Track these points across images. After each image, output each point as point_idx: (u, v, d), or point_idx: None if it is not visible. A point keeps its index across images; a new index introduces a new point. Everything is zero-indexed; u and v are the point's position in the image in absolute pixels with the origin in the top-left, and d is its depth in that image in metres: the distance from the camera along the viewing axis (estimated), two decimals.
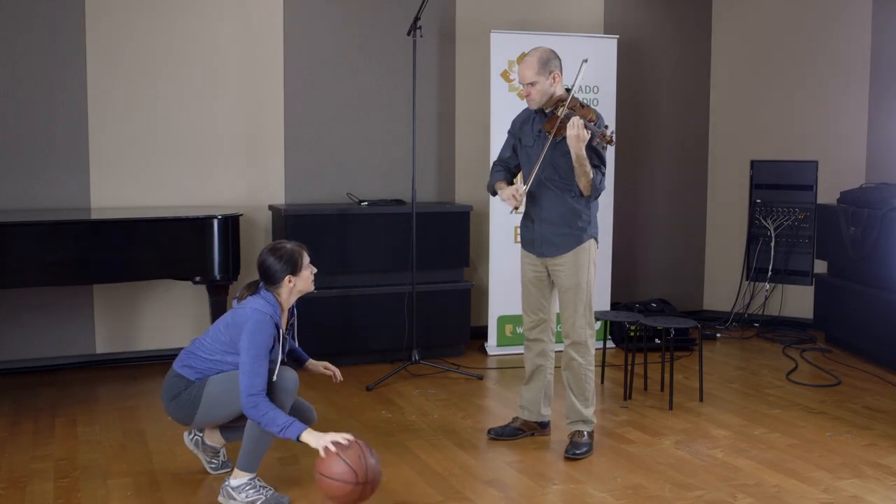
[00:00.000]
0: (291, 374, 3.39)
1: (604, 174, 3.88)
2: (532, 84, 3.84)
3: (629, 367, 4.90)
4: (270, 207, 5.60)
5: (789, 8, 6.61)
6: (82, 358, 5.36)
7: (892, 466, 3.83)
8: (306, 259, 3.45)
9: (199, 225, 4.77)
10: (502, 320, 5.86)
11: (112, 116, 5.29)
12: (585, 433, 3.99)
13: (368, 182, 5.86)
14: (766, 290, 6.68)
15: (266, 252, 3.42)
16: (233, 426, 3.55)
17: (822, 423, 4.43)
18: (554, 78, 3.85)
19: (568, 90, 3.88)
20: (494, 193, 4.12)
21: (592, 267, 3.97)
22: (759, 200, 6.64)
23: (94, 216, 4.79)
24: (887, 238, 5.36)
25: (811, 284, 6.44)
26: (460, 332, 5.74)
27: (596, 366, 4.10)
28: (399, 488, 3.52)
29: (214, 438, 3.64)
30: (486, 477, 3.69)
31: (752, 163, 6.67)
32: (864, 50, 6.30)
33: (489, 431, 4.20)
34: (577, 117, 3.68)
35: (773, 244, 6.58)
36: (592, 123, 3.72)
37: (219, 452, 3.67)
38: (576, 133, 3.65)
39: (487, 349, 5.87)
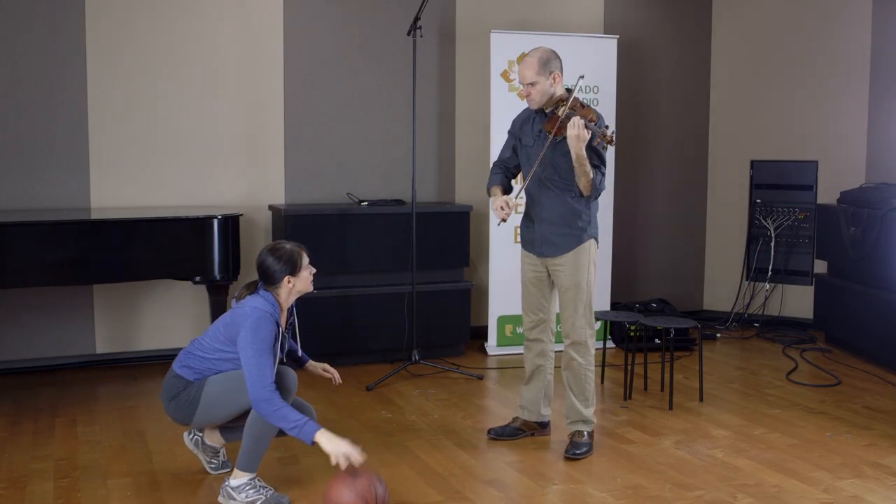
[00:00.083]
0: (290, 374, 3.40)
1: (604, 174, 3.88)
2: (532, 84, 3.84)
3: (629, 367, 4.90)
4: (270, 207, 5.60)
5: (789, 8, 6.61)
6: (82, 358, 5.36)
7: (892, 466, 3.83)
8: (305, 259, 3.45)
9: (199, 225, 4.77)
10: (502, 320, 5.86)
11: (112, 116, 5.29)
12: (585, 433, 3.99)
13: (368, 182, 5.86)
14: (766, 290, 6.68)
15: (265, 252, 3.42)
16: (232, 426, 3.55)
17: (822, 423, 4.43)
18: (554, 78, 3.85)
19: (568, 90, 3.88)
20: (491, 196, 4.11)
21: (592, 267, 3.97)
22: (759, 200, 6.64)
23: (94, 216, 4.79)
24: (887, 238, 5.36)
25: (811, 284, 6.44)
26: (460, 332, 5.74)
27: (596, 366, 4.10)
28: (399, 488, 3.52)
29: (214, 438, 3.64)
30: (486, 477, 3.69)
31: (752, 163, 6.67)
32: (864, 50, 6.30)
33: (489, 431, 4.20)
34: (578, 117, 3.68)
35: (773, 244, 6.58)
36: (593, 123, 3.72)
37: (219, 452, 3.67)
38: (576, 133, 3.65)
39: (487, 349, 5.87)
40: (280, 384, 3.31)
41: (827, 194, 6.34)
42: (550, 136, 3.79)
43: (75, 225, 4.55)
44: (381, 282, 5.51)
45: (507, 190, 4.06)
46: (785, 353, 5.94)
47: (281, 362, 3.40)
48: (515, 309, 5.05)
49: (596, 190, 3.85)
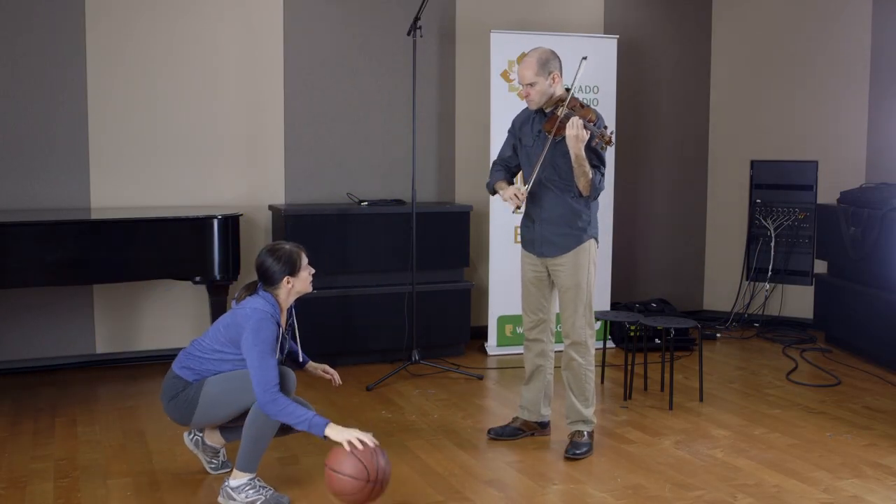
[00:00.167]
0: (290, 374, 3.40)
1: (603, 174, 3.88)
2: (531, 85, 3.84)
3: (629, 367, 4.90)
4: (270, 207, 5.60)
5: (789, 8, 6.61)
6: (82, 358, 5.36)
7: (892, 466, 3.83)
8: (305, 260, 3.45)
9: (199, 225, 4.77)
10: (502, 320, 5.86)
11: (112, 116, 5.29)
12: (585, 433, 3.99)
13: (368, 182, 5.86)
14: (766, 290, 6.68)
15: (265, 253, 3.42)
16: (232, 426, 3.55)
17: (822, 423, 4.43)
18: (553, 78, 3.85)
19: (568, 90, 3.88)
20: (494, 193, 4.12)
21: (592, 267, 3.97)
22: (759, 200, 6.64)
23: (94, 216, 4.79)
24: (887, 238, 5.36)
25: (811, 284, 6.44)
26: (460, 332, 5.74)
27: (596, 366, 4.10)
28: (399, 488, 3.52)
29: (214, 438, 3.64)
30: (486, 477, 3.69)
31: (752, 163, 6.67)
32: (864, 50, 6.30)
33: (489, 431, 4.20)
34: (577, 117, 3.68)
35: (773, 244, 6.58)
36: (592, 124, 3.71)
37: (219, 452, 3.67)
38: (575, 133, 3.65)
39: (487, 349, 5.87)
40: (279, 384, 3.31)
41: (827, 194, 6.34)
42: (550, 137, 3.79)
43: (75, 225, 4.55)
44: (381, 282, 5.51)
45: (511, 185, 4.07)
46: (785, 353, 5.94)
47: (281, 363, 3.40)
48: (515, 309, 5.04)
49: (595, 190, 3.85)
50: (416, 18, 5.11)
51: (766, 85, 6.72)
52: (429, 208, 5.62)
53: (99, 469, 3.70)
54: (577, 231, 3.91)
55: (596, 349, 4.10)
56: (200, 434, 3.63)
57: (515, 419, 4.22)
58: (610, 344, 5.95)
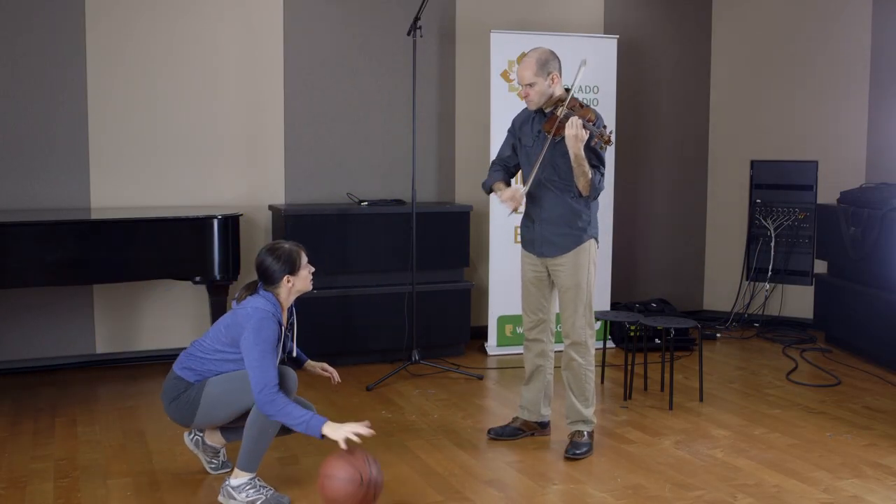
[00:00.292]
0: (291, 374, 3.40)
1: (603, 174, 3.88)
2: (530, 85, 3.84)
3: (629, 367, 4.90)
4: (270, 207, 5.60)
5: (789, 8, 6.61)
6: (82, 358, 5.36)
7: (892, 466, 3.83)
8: (304, 259, 3.45)
9: (199, 225, 4.77)
10: (502, 320, 5.86)
11: (112, 116, 5.29)
12: (585, 433, 3.99)
13: (368, 182, 5.87)
14: (766, 290, 6.68)
15: (264, 252, 3.42)
16: (233, 426, 3.55)
17: (822, 423, 4.43)
18: (552, 79, 3.84)
19: (567, 90, 3.88)
20: (490, 192, 4.12)
21: (592, 267, 3.96)
22: (759, 200, 6.64)
23: (94, 216, 4.79)
24: (887, 238, 5.36)
25: (811, 284, 6.44)
26: (460, 332, 5.74)
27: (596, 366, 4.10)
28: (399, 488, 3.52)
29: (215, 438, 3.64)
30: (486, 477, 3.69)
31: (752, 163, 6.67)
32: (864, 50, 6.30)
33: (489, 431, 4.20)
34: (576, 117, 3.68)
35: (773, 244, 6.58)
36: (591, 123, 3.71)
37: (219, 452, 3.67)
38: (574, 133, 3.65)
39: (487, 349, 5.87)
40: (280, 384, 3.31)
41: (827, 194, 6.34)
42: (549, 137, 3.79)
43: (75, 225, 4.55)
44: (381, 282, 5.51)
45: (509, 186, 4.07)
46: (785, 353, 5.94)
47: (282, 362, 3.40)
48: (515, 309, 5.04)
49: (595, 190, 3.84)
50: (416, 18, 5.11)
51: (766, 85, 6.72)
52: (429, 208, 5.62)
53: (99, 469, 3.70)
54: (577, 231, 3.91)
55: (596, 349, 4.10)
56: (201, 434, 3.63)
57: (515, 419, 4.22)
58: (610, 344, 5.95)
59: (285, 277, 3.38)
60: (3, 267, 4.31)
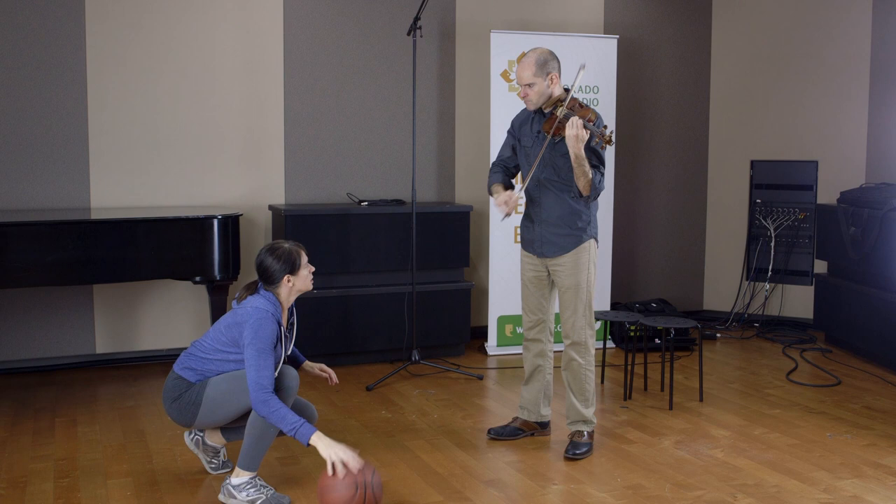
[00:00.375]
0: (292, 373, 3.40)
1: (603, 174, 3.87)
2: (530, 85, 3.84)
3: (629, 367, 4.90)
4: (270, 207, 5.60)
5: (789, 8, 6.61)
6: (82, 358, 5.36)
7: (892, 466, 3.83)
8: (304, 258, 3.45)
9: (199, 225, 4.77)
10: (502, 320, 5.86)
11: (112, 116, 5.29)
12: (585, 433, 3.99)
13: (368, 182, 5.87)
14: (766, 290, 6.68)
15: (264, 252, 3.42)
16: (234, 426, 3.55)
17: (822, 423, 4.43)
18: (552, 79, 3.84)
19: (567, 90, 3.88)
20: (492, 194, 4.12)
21: (592, 267, 3.96)
22: (759, 200, 6.64)
23: (94, 216, 4.79)
24: (887, 238, 5.36)
25: (811, 284, 6.44)
26: (460, 332, 5.74)
27: (596, 366, 4.10)
28: (399, 488, 3.52)
29: (215, 438, 3.64)
30: (486, 477, 3.69)
31: (752, 163, 6.67)
32: (865, 50, 6.30)
33: (489, 431, 4.20)
34: (576, 117, 3.68)
35: (773, 244, 6.58)
36: (591, 123, 3.71)
37: (219, 452, 3.67)
38: (574, 133, 3.64)
39: (487, 349, 5.87)
40: (281, 383, 3.32)
41: (827, 194, 6.35)
42: (549, 137, 3.79)
43: (75, 225, 4.55)
44: (381, 282, 5.52)
45: (509, 188, 4.07)
46: (785, 353, 5.94)
47: (283, 361, 3.40)
48: (515, 309, 5.07)
49: (595, 190, 3.84)
50: (416, 18, 5.11)
51: (766, 85, 6.72)
52: (429, 208, 5.62)
53: (99, 469, 3.70)
54: (576, 231, 3.91)
55: (596, 349, 4.10)
56: (201, 434, 3.63)
57: (515, 419, 4.22)
58: (610, 344, 5.95)
59: (285, 277, 3.38)
60: (3, 267, 4.31)
